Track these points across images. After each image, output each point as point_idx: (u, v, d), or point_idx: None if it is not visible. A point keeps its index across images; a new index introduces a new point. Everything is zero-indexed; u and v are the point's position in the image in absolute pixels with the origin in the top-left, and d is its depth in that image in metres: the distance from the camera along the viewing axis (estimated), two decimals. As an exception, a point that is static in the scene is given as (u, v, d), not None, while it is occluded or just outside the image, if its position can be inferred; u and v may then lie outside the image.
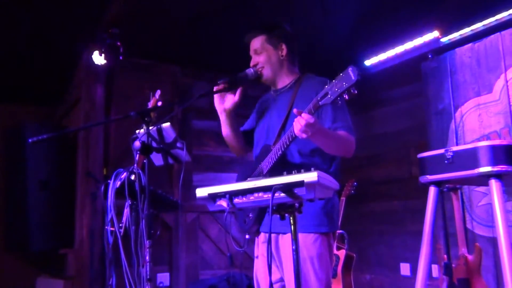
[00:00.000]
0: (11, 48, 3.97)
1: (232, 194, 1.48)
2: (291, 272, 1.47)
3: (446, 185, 2.83)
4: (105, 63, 3.84)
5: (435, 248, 3.73)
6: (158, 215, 4.02)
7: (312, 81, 2.09)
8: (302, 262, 1.90)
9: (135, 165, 1.92)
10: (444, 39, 3.95)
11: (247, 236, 2.11)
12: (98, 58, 3.80)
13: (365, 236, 4.76)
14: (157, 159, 2.19)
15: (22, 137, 4.08)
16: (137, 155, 1.94)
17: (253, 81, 2.18)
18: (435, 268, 3.90)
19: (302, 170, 1.38)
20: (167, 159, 2.16)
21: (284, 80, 2.18)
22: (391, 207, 4.59)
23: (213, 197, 1.52)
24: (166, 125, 2.11)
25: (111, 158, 4.11)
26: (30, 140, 1.95)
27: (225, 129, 2.31)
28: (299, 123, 1.71)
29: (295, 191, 1.38)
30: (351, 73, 1.59)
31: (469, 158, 2.18)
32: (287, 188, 1.38)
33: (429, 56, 4.06)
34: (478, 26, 3.73)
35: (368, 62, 4.56)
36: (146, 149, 1.94)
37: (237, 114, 2.27)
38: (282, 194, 1.40)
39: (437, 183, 2.40)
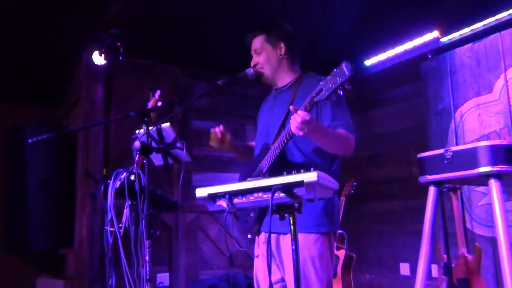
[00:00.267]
0: (11, 48, 3.97)
1: (231, 194, 1.48)
2: (292, 272, 1.47)
3: (446, 185, 2.83)
4: (105, 63, 3.84)
5: (435, 248, 3.73)
6: (158, 215, 3.99)
7: (312, 79, 2.08)
8: (303, 262, 1.90)
9: (135, 165, 1.93)
10: (444, 39, 3.95)
11: (249, 236, 2.11)
12: (98, 58, 3.80)
13: (365, 236, 4.76)
14: (157, 159, 2.19)
15: (22, 137, 4.08)
16: (137, 155, 1.94)
17: (253, 81, 2.18)
18: (434, 268, 3.90)
19: (302, 170, 1.38)
20: (166, 159, 2.16)
21: (285, 79, 2.19)
22: (391, 207, 4.59)
23: (213, 197, 1.52)
24: (166, 125, 2.11)
25: (111, 158, 4.11)
26: (30, 140, 1.95)
27: (232, 154, 2.45)
28: (295, 120, 1.71)
29: (295, 191, 1.38)
30: (345, 68, 1.61)
31: (469, 158, 2.18)
32: (287, 188, 1.38)
33: (429, 56, 4.06)
34: (478, 26, 3.73)
35: (368, 62, 4.56)
36: (145, 149, 1.94)
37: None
38: (282, 194, 1.40)
39: (437, 183, 2.40)
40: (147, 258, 1.85)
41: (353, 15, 3.71)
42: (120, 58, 3.75)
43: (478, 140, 3.57)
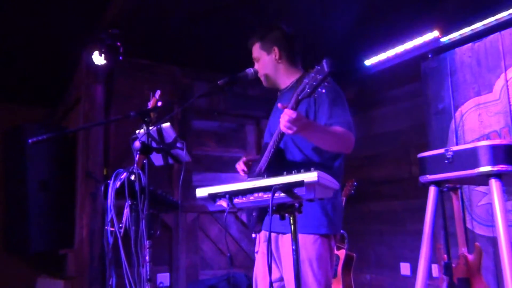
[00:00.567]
0: (11, 48, 3.97)
1: (232, 194, 1.48)
2: (291, 272, 1.47)
3: (446, 185, 2.84)
4: (105, 63, 3.84)
5: (435, 248, 3.73)
6: (158, 215, 4.01)
7: None
8: (301, 263, 1.90)
9: (135, 165, 1.93)
10: (444, 39, 3.95)
11: (253, 236, 2.12)
12: (98, 58, 3.80)
13: (365, 236, 4.76)
14: (157, 159, 2.19)
15: (22, 137, 4.08)
16: (137, 155, 1.94)
17: (252, 80, 2.19)
18: (435, 268, 3.90)
19: (302, 170, 1.37)
20: (167, 159, 2.16)
21: (286, 81, 2.19)
22: (391, 207, 4.59)
23: (213, 197, 1.52)
24: (166, 125, 2.11)
25: (111, 158, 4.11)
26: (30, 141, 1.95)
27: None
28: (283, 119, 1.72)
29: (295, 191, 1.38)
30: (325, 65, 1.62)
31: (469, 157, 2.18)
32: (287, 188, 1.38)
33: (429, 56, 4.06)
34: (478, 25, 3.72)
35: (368, 62, 4.56)
36: (146, 149, 1.94)
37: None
38: (282, 194, 1.40)
39: (437, 183, 2.40)
40: (147, 258, 1.85)
41: (353, 15, 3.70)
42: (120, 58, 3.75)
43: (478, 139, 3.57)
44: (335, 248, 2.06)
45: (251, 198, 1.46)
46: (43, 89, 4.77)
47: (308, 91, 1.69)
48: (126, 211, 1.94)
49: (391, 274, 4.52)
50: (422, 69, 4.13)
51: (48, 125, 4.68)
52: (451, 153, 2.27)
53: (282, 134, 1.85)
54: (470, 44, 3.75)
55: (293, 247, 1.45)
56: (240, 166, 2.23)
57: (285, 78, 2.18)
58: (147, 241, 1.85)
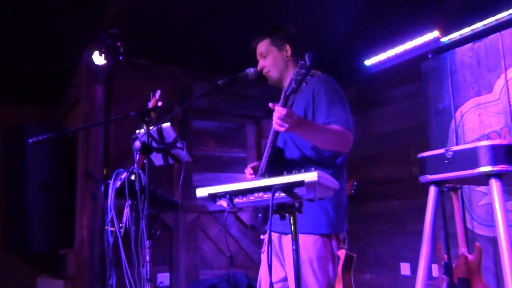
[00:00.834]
0: (11, 48, 3.97)
1: (232, 194, 1.48)
2: (292, 272, 1.47)
3: (446, 185, 2.83)
4: (105, 63, 3.84)
5: (435, 248, 3.73)
6: (158, 215, 4.03)
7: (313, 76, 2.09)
8: (301, 264, 1.89)
9: (135, 165, 1.93)
10: (444, 39, 3.95)
11: (262, 237, 2.11)
12: (98, 58, 3.80)
13: (365, 236, 4.76)
14: (157, 159, 2.19)
15: (22, 138, 4.08)
16: (137, 155, 1.94)
17: (252, 80, 2.18)
18: (435, 268, 3.90)
19: (302, 170, 1.37)
20: (167, 159, 2.16)
21: None
22: (391, 207, 4.59)
23: (213, 197, 1.52)
24: (166, 125, 2.11)
25: (111, 158, 4.11)
26: (30, 141, 1.95)
27: None
28: (274, 116, 1.73)
29: (295, 191, 1.38)
30: (307, 58, 1.66)
31: (469, 157, 2.18)
32: (287, 188, 1.38)
33: (429, 56, 4.06)
34: (478, 26, 3.73)
35: (368, 62, 4.56)
36: (146, 149, 1.94)
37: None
38: (282, 194, 1.40)
39: (437, 183, 2.40)
40: (147, 258, 1.85)
41: (353, 15, 3.70)
42: (120, 58, 3.75)
43: (479, 140, 3.57)
44: (337, 248, 2.05)
45: (251, 198, 1.46)
46: (43, 89, 4.77)
47: (294, 86, 1.71)
48: (126, 211, 1.94)
49: (391, 274, 4.52)
50: (422, 69, 4.13)
51: (48, 125, 4.68)
52: (451, 153, 2.27)
53: (277, 133, 1.86)
54: (470, 44, 3.75)
55: (293, 247, 1.45)
56: (248, 171, 2.22)
57: (290, 77, 2.19)
58: (147, 241, 1.85)
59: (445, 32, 3.91)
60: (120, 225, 1.91)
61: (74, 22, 3.57)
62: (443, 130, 3.89)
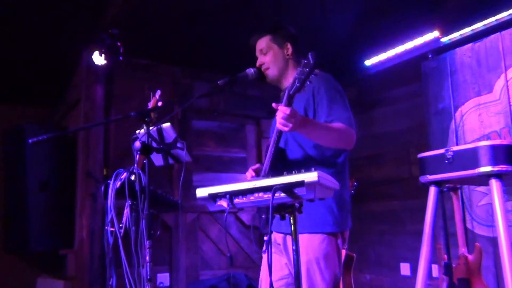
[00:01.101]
0: (11, 48, 3.97)
1: (232, 194, 1.48)
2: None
3: (446, 185, 2.83)
4: (105, 64, 3.84)
5: (435, 248, 3.73)
6: (158, 215, 4.02)
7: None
8: (308, 263, 1.90)
9: (135, 165, 1.93)
10: (444, 39, 3.95)
11: (265, 238, 2.11)
12: (98, 59, 3.80)
13: (365, 236, 4.76)
14: (157, 159, 2.19)
15: (22, 138, 4.08)
16: (137, 155, 1.94)
17: (253, 80, 2.18)
18: (435, 268, 3.90)
19: (303, 170, 1.37)
20: (167, 159, 2.16)
21: (289, 79, 2.19)
22: (391, 207, 4.59)
23: (214, 197, 1.52)
24: (166, 125, 2.11)
25: (111, 159, 4.11)
26: (30, 141, 1.96)
27: None
28: (278, 117, 1.72)
29: (295, 191, 1.38)
30: (310, 57, 1.67)
31: (470, 158, 2.18)
32: (287, 188, 1.38)
33: (429, 56, 4.06)
34: (478, 26, 3.72)
35: (368, 62, 4.56)
36: (146, 149, 1.94)
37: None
38: (282, 194, 1.40)
39: (437, 183, 2.40)
40: (147, 258, 1.85)
41: (353, 15, 3.71)
42: (120, 58, 3.75)
43: (479, 140, 3.56)
44: (342, 246, 2.05)
45: (252, 198, 1.46)
46: (43, 89, 4.77)
47: (298, 85, 1.71)
48: (126, 211, 1.94)
49: (391, 274, 4.52)
50: (422, 69, 4.13)
51: (48, 125, 4.68)
52: (451, 153, 2.27)
53: (280, 133, 1.85)
54: (470, 44, 3.75)
55: (293, 248, 1.45)
56: (249, 173, 2.21)
57: (290, 76, 2.18)
58: (147, 241, 1.85)
59: (445, 32, 3.91)
60: (120, 225, 1.91)
61: (74, 22, 3.57)
62: (443, 130, 3.89)
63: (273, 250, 2.08)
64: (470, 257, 2.85)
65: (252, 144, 5.02)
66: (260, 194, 1.44)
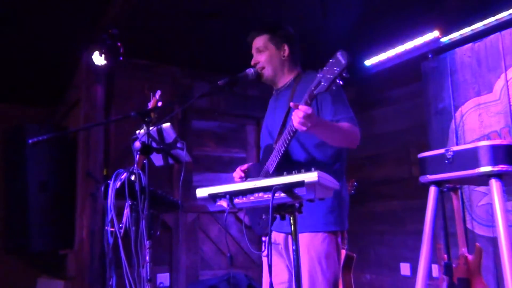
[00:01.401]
0: (11, 48, 3.97)
1: (232, 194, 1.48)
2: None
3: (446, 185, 2.83)
4: (105, 64, 3.84)
5: (435, 248, 3.73)
6: (158, 215, 4.01)
7: (310, 76, 2.05)
8: (309, 262, 1.91)
9: (135, 165, 1.93)
10: (444, 39, 3.95)
11: (263, 239, 2.11)
12: (98, 59, 3.80)
13: (365, 236, 4.76)
14: (157, 159, 2.19)
15: (22, 138, 4.08)
16: (137, 156, 1.94)
17: (253, 81, 2.18)
18: (435, 268, 3.90)
19: (303, 170, 1.37)
20: (167, 159, 2.16)
21: (284, 80, 2.19)
22: (391, 207, 4.59)
23: (214, 197, 1.52)
24: (166, 125, 2.11)
25: (111, 159, 4.11)
26: (30, 141, 1.95)
27: None
28: (297, 116, 1.68)
29: (295, 191, 1.38)
30: (341, 57, 1.60)
31: (470, 158, 2.18)
32: (287, 188, 1.38)
33: (429, 56, 4.06)
34: (478, 26, 3.72)
35: (368, 62, 4.56)
36: (146, 150, 1.94)
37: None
38: (282, 194, 1.40)
39: (438, 183, 2.40)
40: (147, 258, 1.85)
41: (353, 15, 3.71)
42: (120, 58, 3.75)
43: (479, 140, 3.56)
44: (341, 245, 2.05)
45: (251, 198, 1.46)
46: (43, 89, 4.77)
47: (325, 85, 1.64)
48: (126, 211, 1.94)
49: (391, 274, 4.52)
50: (422, 69, 4.13)
51: (48, 125, 4.67)
52: (451, 153, 2.27)
53: (295, 132, 1.80)
54: (470, 44, 3.75)
55: (293, 247, 1.45)
56: (237, 173, 2.20)
57: (285, 77, 2.18)
58: (147, 241, 1.85)
59: (445, 32, 3.91)
60: (120, 225, 1.91)
61: (74, 22, 3.57)
62: (443, 130, 3.89)
63: (274, 252, 2.08)
64: (470, 257, 2.85)
65: (252, 144, 5.02)
66: (260, 194, 1.44)
